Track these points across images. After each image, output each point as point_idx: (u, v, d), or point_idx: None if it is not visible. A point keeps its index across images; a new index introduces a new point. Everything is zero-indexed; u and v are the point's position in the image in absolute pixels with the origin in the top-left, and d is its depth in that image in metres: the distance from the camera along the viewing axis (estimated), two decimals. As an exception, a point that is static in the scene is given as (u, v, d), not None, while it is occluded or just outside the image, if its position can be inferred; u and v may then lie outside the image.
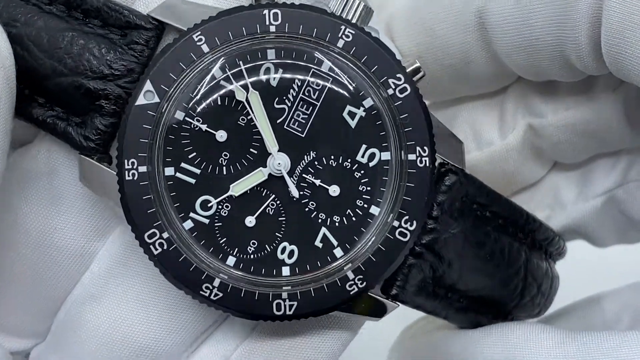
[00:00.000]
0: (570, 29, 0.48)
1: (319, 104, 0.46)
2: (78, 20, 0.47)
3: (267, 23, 0.45)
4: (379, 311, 0.48)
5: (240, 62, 0.46)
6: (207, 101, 0.46)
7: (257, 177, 0.46)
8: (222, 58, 0.46)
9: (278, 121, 0.46)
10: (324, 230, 0.46)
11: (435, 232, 0.48)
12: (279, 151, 0.46)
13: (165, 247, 0.45)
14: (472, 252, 0.50)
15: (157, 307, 0.49)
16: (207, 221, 0.46)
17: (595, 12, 0.47)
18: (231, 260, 0.46)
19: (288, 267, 0.46)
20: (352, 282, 0.46)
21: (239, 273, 0.46)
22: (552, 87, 0.55)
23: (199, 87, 0.46)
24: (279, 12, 0.45)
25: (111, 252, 0.50)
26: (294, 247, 0.46)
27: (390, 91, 0.46)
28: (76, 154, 0.47)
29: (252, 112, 0.46)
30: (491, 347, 0.50)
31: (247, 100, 0.46)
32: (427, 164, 0.46)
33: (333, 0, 0.47)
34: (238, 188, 0.46)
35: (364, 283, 0.46)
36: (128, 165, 0.45)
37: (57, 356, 0.51)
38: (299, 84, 0.46)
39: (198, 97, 0.46)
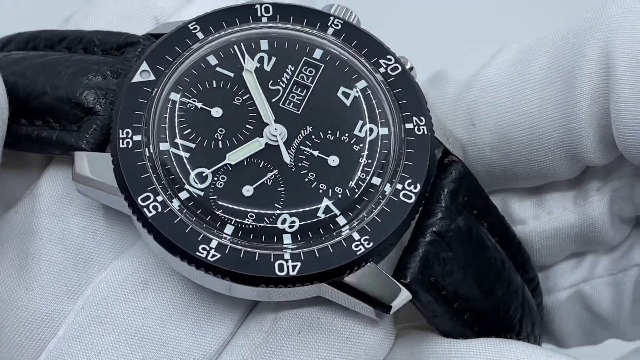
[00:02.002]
0: (574, 128, 0.48)
1: (312, 86, 0.47)
2: (79, 54, 0.49)
3: (259, 15, 0.48)
4: (393, 295, 0.44)
5: (235, 48, 0.47)
6: (203, 82, 0.46)
7: (253, 146, 0.45)
8: (217, 44, 0.47)
9: (273, 100, 0.46)
10: (325, 201, 0.44)
11: (445, 220, 0.46)
12: (275, 121, 0.46)
13: (159, 209, 0.43)
14: (476, 251, 0.47)
15: None
16: (202, 193, 0.44)
17: (599, 106, 0.47)
18: (229, 229, 0.43)
19: (289, 235, 0.43)
20: (359, 243, 0.43)
21: (238, 240, 0.43)
22: (532, 192, 0.54)
23: (194, 69, 0.46)
24: (270, 6, 0.48)
25: (86, 312, 0.46)
26: (295, 218, 0.44)
27: (382, 70, 0.47)
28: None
29: (248, 88, 0.46)
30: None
31: (242, 78, 0.46)
32: (426, 132, 0.46)
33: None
34: (234, 157, 0.45)
35: (370, 243, 0.43)
36: (122, 134, 0.44)
37: None
38: (292, 68, 0.47)
39: (193, 78, 0.46)
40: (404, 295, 0.44)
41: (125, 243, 0.47)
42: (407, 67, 0.48)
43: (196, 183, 0.44)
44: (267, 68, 0.47)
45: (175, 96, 0.46)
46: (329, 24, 0.48)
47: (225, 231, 0.43)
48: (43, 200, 0.47)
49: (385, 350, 0.47)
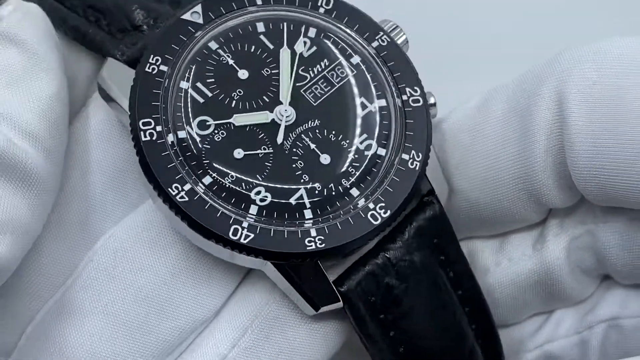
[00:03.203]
0: (531, 164, 0.50)
1: (337, 86, 0.49)
2: None
3: (319, 4, 0.50)
4: (323, 296, 0.47)
5: (285, 25, 0.50)
6: (243, 43, 0.49)
7: (260, 117, 0.48)
8: (269, 15, 0.50)
9: (297, 84, 0.49)
10: (301, 190, 0.47)
11: (401, 250, 0.48)
12: (290, 104, 0.48)
13: (154, 137, 0.46)
14: (425, 291, 0.49)
15: (129, 325, 0.48)
16: (198, 139, 0.47)
17: (554, 142, 0.49)
18: (207, 180, 0.46)
19: (257, 207, 0.46)
20: (312, 239, 0.46)
21: (210, 194, 0.46)
22: (496, 238, 0.55)
23: (240, 29, 0.49)
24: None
25: (94, 262, 0.49)
26: (268, 194, 0.47)
27: (404, 98, 0.49)
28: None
29: (280, 64, 0.49)
30: None
31: (279, 54, 0.49)
32: (420, 165, 0.48)
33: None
34: (240, 119, 0.48)
35: (323, 244, 0.46)
36: (152, 60, 0.47)
37: None
38: (327, 64, 0.50)
39: (236, 36, 0.49)
40: (336, 301, 0.47)
41: (139, 199, 0.50)
42: (431, 101, 0.51)
43: (197, 128, 0.47)
44: (306, 54, 0.50)
45: (213, 45, 0.49)
46: (376, 38, 0.50)
47: (203, 180, 0.46)
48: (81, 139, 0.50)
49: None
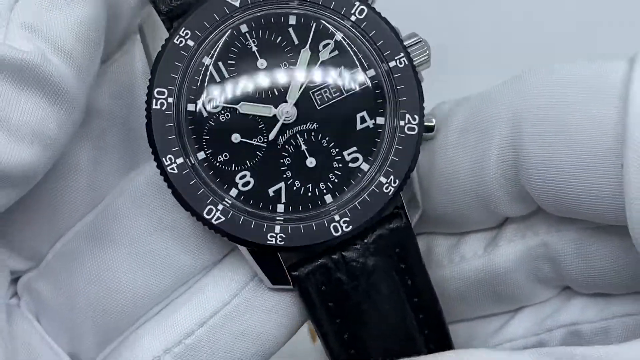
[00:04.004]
0: (484, 176, 0.54)
1: (345, 95, 0.53)
2: None
3: (353, 11, 0.53)
4: (278, 277, 0.53)
5: (315, 24, 0.53)
6: (271, 32, 0.52)
7: (264, 110, 0.52)
8: (307, 10, 0.52)
9: (309, 84, 0.52)
10: (282, 184, 0.52)
11: (357, 251, 0.53)
12: (295, 104, 0.52)
13: (164, 107, 0.51)
14: (378, 293, 0.54)
15: (149, 260, 0.54)
16: (205, 114, 0.52)
17: (508, 154, 0.52)
18: (201, 155, 0.52)
19: (237, 191, 0.52)
20: (274, 235, 0.51)
21: (199, 170, 0.51)
22: (455, 235, 0.59)
23: (273, 17, 0.52)
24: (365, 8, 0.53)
25: (126, 195, 0.55)
26: (252, 180, 0.52)
27: (402, 124, 0.53)
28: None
29: (298, 62, 0.52)
30: None
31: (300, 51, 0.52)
32: (394, 191, 0.52)
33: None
34: (245, 108, 0.52)
35: (283, 242, 0.51)
36: (182, 33, 0.51)
37: (45, 282, 0.55)
38: (342, 72, 0.53)
39: (267, 24, 0.52)
40: (287, 284, 0.53)
41: None
42: (431, 123, 0.54)
43: (207, 105, 0.52)
44: (325, 57, 0.53)
45: (244, 28, 0.52)
46: (395, 58, 0.53)
47: (198, 155, 0.51)
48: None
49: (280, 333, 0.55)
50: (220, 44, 0.52)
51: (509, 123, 0.52)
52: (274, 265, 0.53)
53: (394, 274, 0.54)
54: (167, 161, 0.51)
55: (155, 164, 0.52)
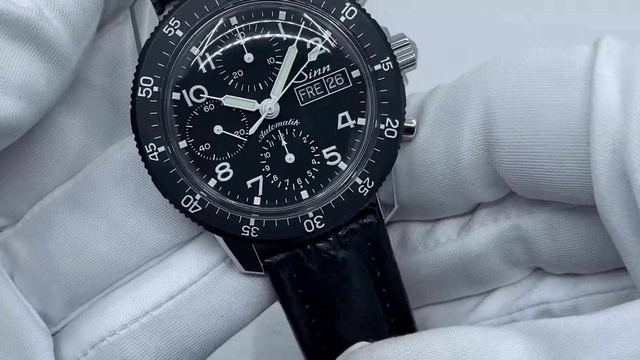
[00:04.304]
0: (457, 161, 0.55)
1: (329, 94, 0.53)
2: None
3: (343, 11, 0.53)
4: (250, 264, 0.55)
5: (307, 17, 0.53)
6: (261, 26, 0.53)
7: (247, 104, 0.53)
8: (298, 5, 0.53)
9: (293, 81, 0.53)
10: (260, 178, 0.53)
11: (329, 244, 0.55)
12: (279, 100, 0.53)
13: (149, 95, 0.52)
14: (347, 284, 0.55)
15: (123, 233, 0.56)
16: (190, 104, 0.53)
17: (480, 143, 0.54)
18: (183, 144, 0.53)
19: (216, 182, 0.53)
20: (248, 227, 0.53)
21: (180, 159, 0.53)
22: (430, 221, 0.61)
23: (263, 11, 0.53)
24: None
25: (106, 167, 0.56)
26: (231, 172, 0.53)
27: (382, 127, 0.53)
28: None
29: (284, 59, 0.53)
30: None
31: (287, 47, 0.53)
32: (368, 193, 0.54)
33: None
34: (229, 101, 0.53)
35: (257, 235, 0.53)
36: (172, 22, 0.52)
37: (21, 242, 0.57)
38: (328, 69, 0.53)
39: (257, 17, 0.53)
40: (259, 270, 0.55)
41: None
42: (412, 124, 0.55)
43: (192, 95, 0.53)
44: (313, 57, 0.53)
45: (233, 21, 0.53)
46: (381, 61, 0.53)
47: (179, 143, 0.53)
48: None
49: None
50: (209, 35, 0.53)
51: (479, 108, 0.54)
52: (246, 252, 0.55)
53: (364, 266, 0.56)
54: (149, 149, 0.52)
55: None
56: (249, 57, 0.53)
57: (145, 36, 0.53)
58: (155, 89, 0.52)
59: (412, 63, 0.55)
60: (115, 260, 0.57)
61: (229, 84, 0.53)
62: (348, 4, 0.53)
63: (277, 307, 0.58)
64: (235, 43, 0.53)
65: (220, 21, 0.53)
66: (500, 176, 0.55)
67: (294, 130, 0.54)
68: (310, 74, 0.53)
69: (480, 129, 0.54)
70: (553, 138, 0.52)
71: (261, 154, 0.53)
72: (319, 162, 0.54)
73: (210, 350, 0.57)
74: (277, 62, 0.53)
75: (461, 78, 0.56)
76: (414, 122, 0.55)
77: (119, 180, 0.56)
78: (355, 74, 0.54)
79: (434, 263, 0.61)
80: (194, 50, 0.53)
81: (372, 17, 0.53)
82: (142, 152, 0.52)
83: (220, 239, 0.55)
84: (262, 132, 0.53)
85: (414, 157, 0.57)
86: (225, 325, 0.56)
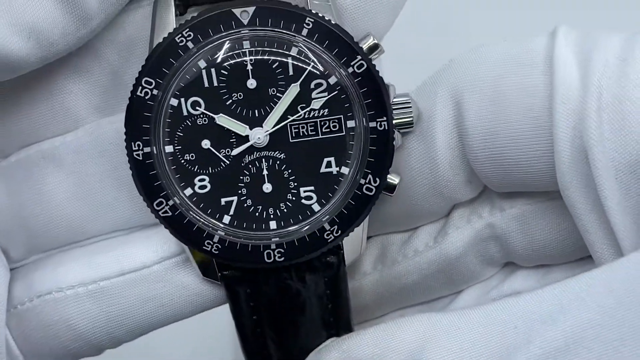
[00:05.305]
0: (433, 160, 0.56)
1: (319, 137, 0.54)
2: None
3: (352, 64, 0.53)
4: (208, 270, 0.57)
5: (311, 62, 0.54)
6: (270, 54, 0.54)
7: (239, 128, 0.54)
8: (303, 47, 0.54)
9: (289, 117, 0.54)
10: (235, 199, 0.55)
11: (288, 273, 0.56)
12: (270, 132, 0.54)
13: (147, 96, 0.53)
14: (298, 310, 0.57)
15: (94, 200, 0.58)
16: (185, 113, 0.54)
17: (453, 140, 0.55)
18: (169, 149, 0.54)
19: (192, 191, 0.55)
20: (210, 243, 0.55)
21: (163, 162, 0.54)
22: (407, 232, 0.62)
23: (275, 42, 0.54)
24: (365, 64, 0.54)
25: (96, 136, 0.58)
26: (209, 185, 0.55)
27: (362, 182, 0.54)
28: None
29: (285, 95, 0.54)
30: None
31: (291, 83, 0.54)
32: (333, 240, 0.55)
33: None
34: (222, 120, 0.54)
35: (217, 252, 0.55)
36: (185, 33, 0.53)
37: (2, 185, 0.59)
38: (326, 113, 0.54)
39: (268, 45, 0.53)
40: (216, 280, 0.57)
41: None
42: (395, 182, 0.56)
43: (189, 106, 0.54)
44: (316, 106, 0.54)
45: (246, 44, 0.53)
46: (378, 119, 0.54)
47: (166, 149, 0.54)
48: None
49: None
50: (219, 53, 0.53)
51: (448, 103, 0.55)
52: (207, 261, 0.57)
53: (317, 298, 0.58)
54: (135, 147, 0.54)
55: None
56: (252, 83, 0.54)
57: (161, 35, 0.54)
58: (155, 92, 0.53)
59: (409, 125, 0.55)
60: (81, 223, 0.59)
61: (227, 103, 0.54)
62: (359, 58, 0.53)
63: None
64: (243, 66, 0.54)
65: (233, 42, 0.53)
66: (474, 171, 0.56)
67: (278, 162, 0.55)
68: (307, 112, 0.54)
69: (451, 122, 0.55)
70: (519, 122, 0.53)
71: (241, 177, 0.55)
72: (294, 198, 0.55)
73: (144, 331, 0.59)
74: (277, 95, 0.54)
75: (427, 78, 0.57)
76: (396, 180, 0.56)
77: (104, 151, 0.58)
78: (351, 124, 0.54)
79: (414, 271, 0.62)
80: (201, 63, 0.53)
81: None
82: (128, 148, 0.54)
83: (188, 252, 0.57)
84: (247, 156, 0.55)
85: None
86: (164, 315, 0.59)
